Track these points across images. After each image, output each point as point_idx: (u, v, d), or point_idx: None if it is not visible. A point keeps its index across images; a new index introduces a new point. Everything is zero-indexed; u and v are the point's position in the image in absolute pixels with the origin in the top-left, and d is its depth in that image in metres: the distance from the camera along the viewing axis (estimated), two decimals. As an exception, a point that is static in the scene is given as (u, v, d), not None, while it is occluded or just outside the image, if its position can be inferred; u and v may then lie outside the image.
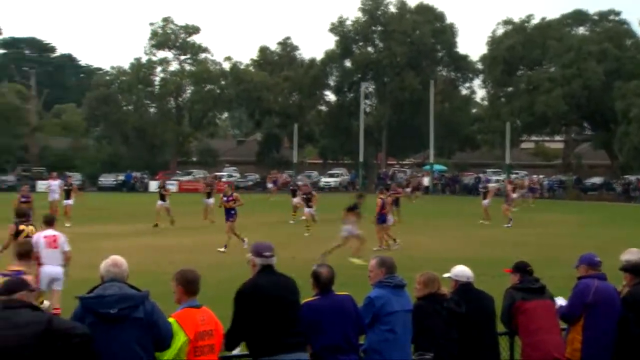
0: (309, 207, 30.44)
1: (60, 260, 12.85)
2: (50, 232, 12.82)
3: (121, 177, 73.46)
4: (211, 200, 33.74)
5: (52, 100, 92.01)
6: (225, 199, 24.18)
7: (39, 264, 12.28)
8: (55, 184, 34.74)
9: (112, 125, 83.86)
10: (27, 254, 7.56)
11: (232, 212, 23.67)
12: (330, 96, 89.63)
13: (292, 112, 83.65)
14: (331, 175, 77.57)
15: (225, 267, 18.62)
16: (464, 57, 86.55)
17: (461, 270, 7.77)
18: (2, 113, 76.59)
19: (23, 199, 23.73)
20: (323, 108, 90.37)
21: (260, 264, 6.60)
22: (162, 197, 32.25)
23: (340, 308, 6.75)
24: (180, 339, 5.89)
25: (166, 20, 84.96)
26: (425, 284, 7.47)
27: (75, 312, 5.67)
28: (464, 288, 7.64)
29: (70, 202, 32.60)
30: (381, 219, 24.22)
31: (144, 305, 5.71)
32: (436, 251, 23.08)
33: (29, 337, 5.25)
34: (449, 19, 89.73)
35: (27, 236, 14.15)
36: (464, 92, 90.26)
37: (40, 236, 12.72)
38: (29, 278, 5.97)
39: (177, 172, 79.77)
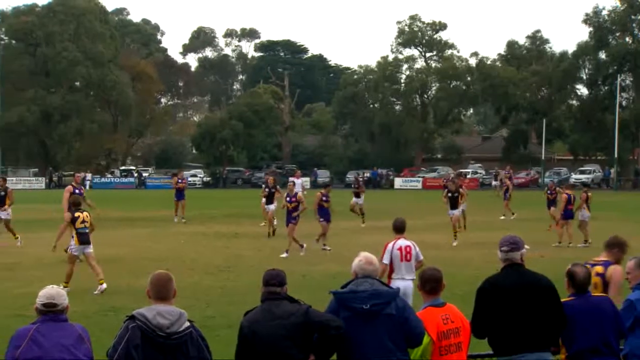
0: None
1: (413, 273, 10.71)
2: (403, 242, 11.05)
3: (367, 174, 75.15)
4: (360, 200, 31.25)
5: (303, 99, 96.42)
6: (288, 199, 21.83)
7: (390, 278, 10.78)
8: (298, 182, 33.47)
9: (359, 123, 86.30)
10: (612, 245, 7.77)
11: (295, 215, 21.34)
12: (583, 90, 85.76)
13: (540, 107, 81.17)
14: (582, 172, 74.13)
15: (473, 265, 18.31)
16: None
17: None
18: (259, 113, 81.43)
19: (324, 198, 23.37)
20: (574, 102, 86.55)
21: (500, 259, 6.39)
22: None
23: (598, 310, 6.41)
24: (424, 340, 5.85)
25: (413, 18, 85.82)
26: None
27: (330, 306, 5.84)
28: None
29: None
30: (566, 214, 23.36)
31: (395, 302, 5.78)
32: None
33: (289, 328, 5.52)
34: None
35: (83, 221, 15.38)
36: None
37: (394, 248, 10.98)
38: None
39: (422, 168, 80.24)
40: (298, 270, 16.78)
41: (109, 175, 77.47)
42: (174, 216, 31.18)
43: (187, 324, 5.13)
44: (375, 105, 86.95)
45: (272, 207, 26.31)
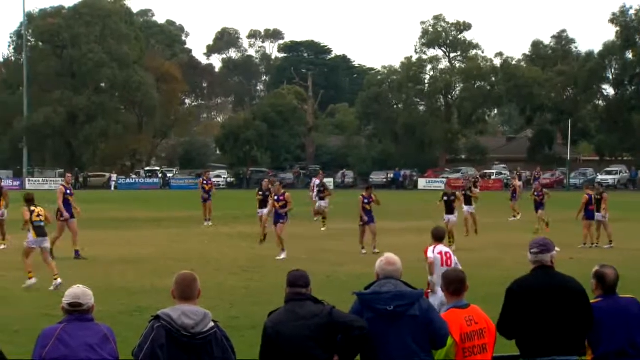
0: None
1: None
2: (442, 247, 11.19)
3: (391, 175, 74.96)
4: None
5: (326, 100, 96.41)
6: (276, 198, 21.55)
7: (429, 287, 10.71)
8: (317, 182, 33.53)
9: (383, 124, 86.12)
10: None
11: (283, 214, 21.18)
12: (609, 90, 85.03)
13: (565, 107, 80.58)
14: (608, 173, 73.48)
15: (497, 266, 18.15)
16: None
17: None
18: (282, 114, 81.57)
19: (366, 201, 22.84)
20: (600, 102, 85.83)
21: (530, 261, 6.35)
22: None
23: (625, 311, 6.33)
24: (448, 341, 5.84)
25: (437, 18, 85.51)
26: None
27: (353, 307, 5.84)
28: None
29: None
30: (588, 215, 23.30)
31: (419, 303, 5.77)
32: None
33: (313, 329, 5.53)
34: None
35: (38, 215, 15.87)
36: None
37: (435, 252, 11.06)
38: None
39: (446, 169, 79.90)
40: (322, 271, 16.77)
41: (134, 176, 77.97)
42: (204, 220, 30.50)
43: (212, 324, 5.14)
44: (399, 105, 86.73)
45: (265, 211, 25.34)
